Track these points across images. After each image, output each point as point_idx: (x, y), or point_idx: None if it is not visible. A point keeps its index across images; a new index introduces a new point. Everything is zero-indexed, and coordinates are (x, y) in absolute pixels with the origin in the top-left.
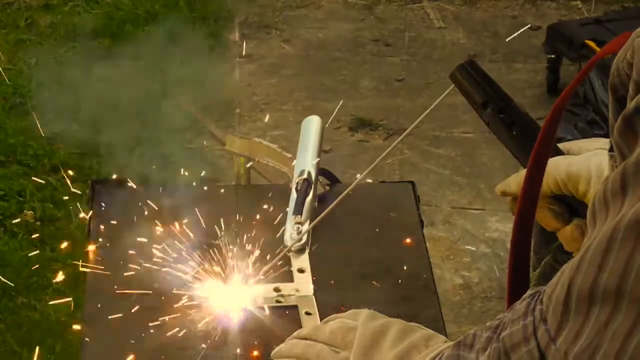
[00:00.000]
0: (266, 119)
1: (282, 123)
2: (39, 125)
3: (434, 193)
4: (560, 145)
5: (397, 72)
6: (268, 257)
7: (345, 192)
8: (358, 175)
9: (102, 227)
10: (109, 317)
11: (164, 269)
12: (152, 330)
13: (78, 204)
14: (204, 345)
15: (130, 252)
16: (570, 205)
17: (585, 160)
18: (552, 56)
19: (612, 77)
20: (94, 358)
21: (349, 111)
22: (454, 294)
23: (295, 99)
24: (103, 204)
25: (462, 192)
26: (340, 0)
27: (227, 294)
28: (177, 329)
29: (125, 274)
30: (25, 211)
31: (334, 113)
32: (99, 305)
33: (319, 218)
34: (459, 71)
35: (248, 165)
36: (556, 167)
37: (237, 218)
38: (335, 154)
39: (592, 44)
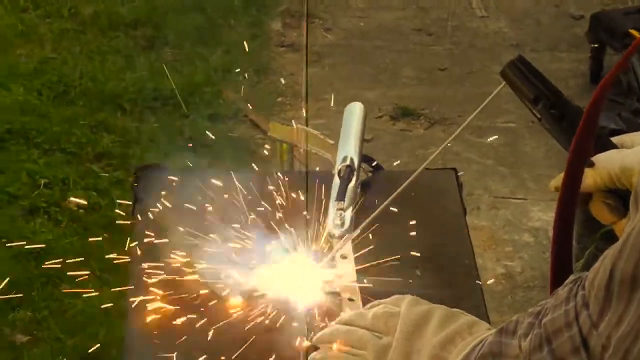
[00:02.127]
0: (308, 109)
1: (324, 112)
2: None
3: (476, 182)
4: (614, 139)
5: (440, 61)
6: (313, 243)
7: (405, 183)
8: (396, 163)
9: (146, 214)
10: (153, 305)
11: (210, 256)
12: (196, 316)
13: (121, 191)
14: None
15: (175, 239)
16: (625, 199)
17: (638, 154)
18: (596, 45)
19: None
20: (139, 346)
21: (390, 100)
22: (497, 284)
23: (336, 88)
24: (146, 191)
25: (505, 182)
26: None
27: (284, 280)
28: (227, 316)
29: (171, 260)
30: (68, 199)
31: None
32: (142, 292)
33: (374, 214)
34: (510, 68)
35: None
36: (610, 161)
37: (281, 204)
38: (377, 143)
39: (635, 33)
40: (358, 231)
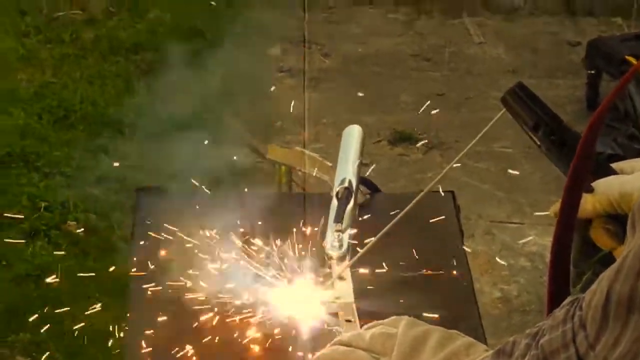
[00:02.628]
0: (306, 133)
1: (322, 137)
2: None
3: (473, 207)
4: (613, 165)
5: (437, 87)
6: (310, 263)
7: (408, 207)
8: (394, 187)
9: (146, 236)
10: (152, 327)
11: (210, 274)
12: (196, 335)
13: (121, 213)
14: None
15: (174, 257)
16: (624, 225)
17: (638, 180)
18: (592, 72)
19: None
20: None
21: (388, 125)
22: (493, 307)
23: (334, 113)
24: (146, 212)
25: (501, 207)
26: (380, 15)
27: (284, 302)
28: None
29: (169, 282)
30: (68, 222)
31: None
32: (142, 314)
33: (372, 241)
34: (510, 94)
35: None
36: (609, 187)
37: (279, 226)
38: (375, 168)
39: (632, 60)
40: (357, 256)
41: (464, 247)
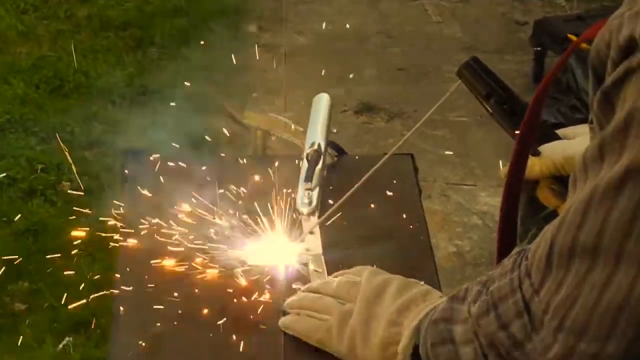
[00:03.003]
0: (280, 103)
1: (294, 106)
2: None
3: (430, 170)
4: (558, 131)
5: (398, 62)
6: (284, 220)
7: (373, 169)
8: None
9: (133, 194)
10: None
11: (196, 235)
12: (185, 288)
13: (110, 174)
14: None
15: (159, 220)
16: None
17: (580, 143)
18: (538, 49)
19: (591, 57)
20: (126, 315)
21: (355, 97)
22: (448, 261)
23: (305, 85)
24: (133, 174)
25: (456, 170)
26: None
27: (263, 252)
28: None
29: (158, 239)
30: (62, 182)
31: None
32: (129, 272)
33: (343, 199)
34: (465, 67)
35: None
36: (554, 151)
37: (255, 186)
38: (342, 135)
39: (573, 37)
40: (327, 214)
41: (422, 205)
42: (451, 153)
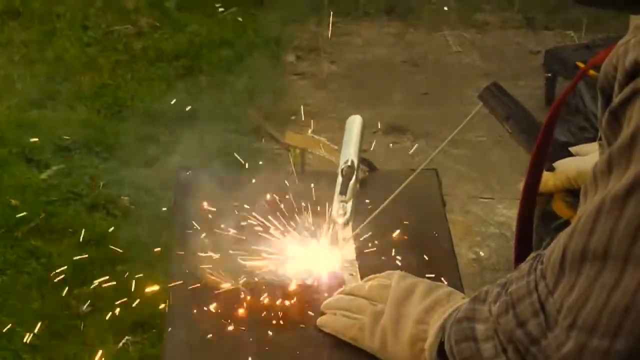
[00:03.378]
0: (316, 125)
1: (329, 128)
2: (133, 128)
3: (453, 185)
4: (571, 149)
5: (423, 87)
6: (322, 229)
7: (404, 184)
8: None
9: (185, 211)
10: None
11: (250, 249)
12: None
13: (163, 190)
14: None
15: (212, 236)
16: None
17: (591, 160)
18: (549, 75)
19: (600, 80)
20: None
21: (383, 118)
22: (469, 267)
23: (339, 109)
24: (185, 191)
25: (476, 185)
26: (377, 28)
27: (304, 259)
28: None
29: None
30: (121, 197)
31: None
32: (184, 297)
33: (376, 212)
34: (486, 91)
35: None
36: (568, 166)
37: (296, 198)
38: (373, 152)
39: (581, 64)
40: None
41: (446, 216)
42: (472, 169)
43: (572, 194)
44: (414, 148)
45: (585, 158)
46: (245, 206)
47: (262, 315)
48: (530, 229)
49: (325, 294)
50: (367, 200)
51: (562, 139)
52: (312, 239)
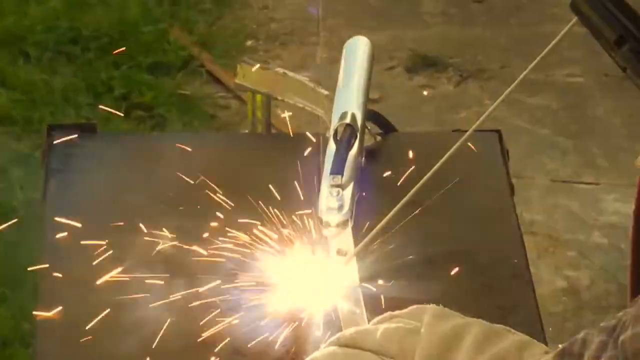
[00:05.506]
0: (289, 55)
1: (309, 61)
2: None
3: (528, 160)
4: None
5: None
6: (301, 236)
7: (445, 157)
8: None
9: (62, 195)
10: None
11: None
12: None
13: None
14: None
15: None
16: None
17: None
18: None
19: None
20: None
21: (406, 45)
22: (555, 302)
23: (329, 28)
24: (63, 162)
25: (567, 160)
26: None
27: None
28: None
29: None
30: None
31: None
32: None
33: (395, 209)
34: None
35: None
36: None
37: (254, 179)
38: (387, 104)
39: None
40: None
41: (515, 210)
42: (559, 133)
43: None
44: (459, 94)
45: None
46: (167, 193)
47: None
48: None
49: (308, 346)
50: (376, 185)
51: None
52: (289, 254)
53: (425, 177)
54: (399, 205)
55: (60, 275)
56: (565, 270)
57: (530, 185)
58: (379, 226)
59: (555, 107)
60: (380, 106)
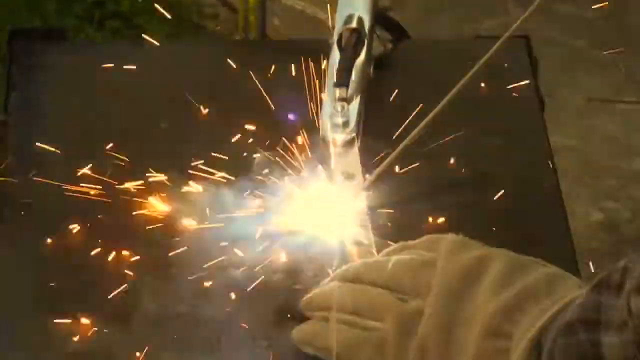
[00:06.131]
0: None
1: None
2: None
3: (559, 77)
4: None
5: None
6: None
7: (470, 73)
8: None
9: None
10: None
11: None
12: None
13: None
14: None
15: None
16: None
17: None
18: None
19: None
20: None
21: None
22: (591, 237)
23: None
24: (27, 71)
25: (605, 73)
26: None
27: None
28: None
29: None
30: None
31: None
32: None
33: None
34: None
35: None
36: None
37: (245, 92)
38: (400, 13)
39: None
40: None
41: (546, 130)
42: (596, 44)
43: None
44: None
45: None
46: (148, 107)
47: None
48: None
49: (309, 281)
50: (389, 100)
51: None
52: (289, 177)
53: (455, 89)
54: (423, 123)
55: None
56: (603, 201)
57: (563, 105)
58: (402, 145)
59: (590, 15)
60: (391, 14)
